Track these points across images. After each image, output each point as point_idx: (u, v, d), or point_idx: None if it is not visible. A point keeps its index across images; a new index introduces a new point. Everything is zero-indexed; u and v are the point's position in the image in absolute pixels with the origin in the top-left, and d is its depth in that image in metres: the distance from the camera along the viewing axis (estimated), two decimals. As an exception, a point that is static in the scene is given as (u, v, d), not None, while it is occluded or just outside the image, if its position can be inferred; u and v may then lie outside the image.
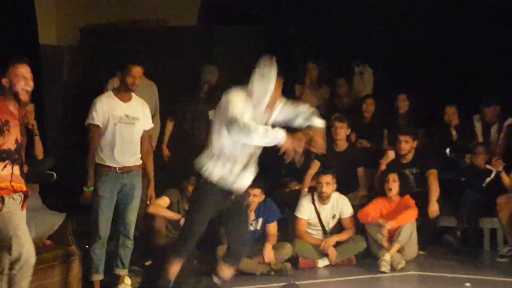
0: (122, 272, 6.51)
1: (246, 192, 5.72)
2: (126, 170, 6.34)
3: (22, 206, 5.03)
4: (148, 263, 7.21)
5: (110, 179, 6.27)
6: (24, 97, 4.98)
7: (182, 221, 7.05)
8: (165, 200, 7.49)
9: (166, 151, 8.59)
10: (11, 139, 4.91)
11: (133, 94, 6.44)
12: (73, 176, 5.26)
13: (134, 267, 6.88)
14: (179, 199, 7.54)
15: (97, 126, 6.27)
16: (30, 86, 5.00)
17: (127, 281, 6.54)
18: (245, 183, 5.53)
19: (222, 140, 5.32)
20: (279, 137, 5.06)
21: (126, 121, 6.35)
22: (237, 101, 5.20)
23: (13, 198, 4.93)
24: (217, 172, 5.39)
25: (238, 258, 5.82)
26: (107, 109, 6.30)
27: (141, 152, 6.46)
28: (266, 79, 5.29)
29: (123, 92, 6.37)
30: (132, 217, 6.43)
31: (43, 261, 5.57)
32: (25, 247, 4.89)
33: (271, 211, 7.72)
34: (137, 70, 6.37)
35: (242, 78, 9.31)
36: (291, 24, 10.07)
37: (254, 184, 7.48)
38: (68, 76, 9.67)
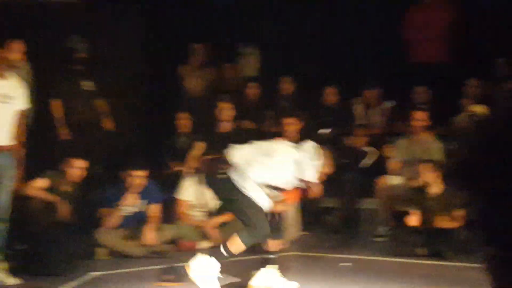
0: None
1: None
2: None
3: None
4: (22, 247, 6.97)
5: None
6: None
7: (60, 205, 6.87)
8: (44, 182, 7.27)
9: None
10: None
11: (9, 73, 6.19)
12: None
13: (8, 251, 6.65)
14: (59, 182, 7.34)
15: None
16: None
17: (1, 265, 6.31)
18: None
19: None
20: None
21: (1, 100, 6.10)
22: None
23: None
24: None
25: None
26: None
27: (16, 132, 6.23)
28: None
29: (0, 69, 6.11)
30: (4, 198, 6.20)
31: None
32: None
33: (153, 192, 7.64)
34: (18, 47, 6.13)
35: (122, 56, 9.25)
36: (177, 3, 9.95)
37: (137, 165, 7.43)
38: None
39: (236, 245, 5.56)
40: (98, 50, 8.44)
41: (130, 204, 7.50)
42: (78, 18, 8.80)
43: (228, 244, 5.60)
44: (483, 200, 1.35)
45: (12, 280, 6.18)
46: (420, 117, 8.02)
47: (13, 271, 6.28)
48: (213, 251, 7.47)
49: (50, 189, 7.26)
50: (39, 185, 7.16)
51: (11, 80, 6.18)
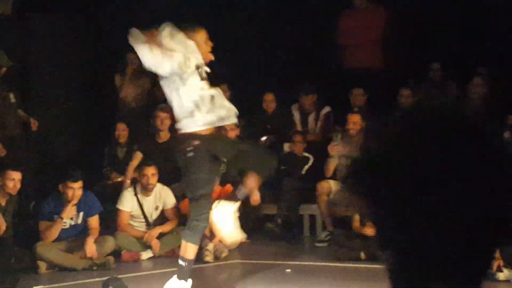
0: None
1: None
2: None
3: None
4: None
5: None
6: None
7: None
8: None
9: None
10: None
11: None
12: None
13: None
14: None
15: None
16: None
17: None
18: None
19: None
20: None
21: None
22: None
23: None
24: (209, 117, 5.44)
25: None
26: None
27: None
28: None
29: None
30: None
31: None
32: None
33: (92, 204, 7.57)
34: None
35: (59, 66, 9.14)
36: (114, 12, 9.86)
37: (73, 177, 7.35)
38: None
39: (188, 248, 5.58)
40: (34, 60, 8.30)
41: (69, 216, 7.41)
42: (8, 29, 8.63)
43: (182, 253, 5.60)
44: (374, 204, 1.39)
45: None
46: (355, 120, 8.16)
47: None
48: (156, 262, 7.55)
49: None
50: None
51: None
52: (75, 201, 7.35)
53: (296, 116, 9.16)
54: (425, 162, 1.29)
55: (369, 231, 7.08)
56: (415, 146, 1.31)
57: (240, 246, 8.04)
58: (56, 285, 6.75)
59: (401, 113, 1.43)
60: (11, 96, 8.11)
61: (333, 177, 8.25)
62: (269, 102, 9.19)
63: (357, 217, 7.40)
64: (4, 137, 8.05)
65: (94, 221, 7.53)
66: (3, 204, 7.15)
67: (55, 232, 7.33)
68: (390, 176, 1.32)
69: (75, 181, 7.34)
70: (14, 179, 7.16)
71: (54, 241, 7.34)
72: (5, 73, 7.94)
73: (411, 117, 1.39)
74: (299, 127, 9.06)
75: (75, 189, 7.32)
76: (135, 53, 9.44)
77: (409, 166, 1.30)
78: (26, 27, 8.92)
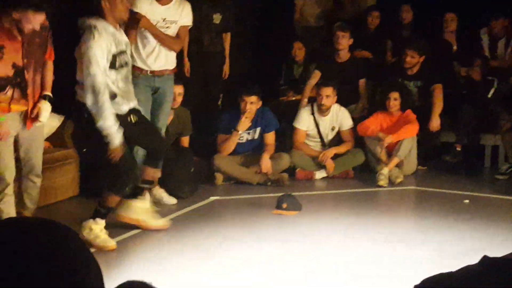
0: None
1: None
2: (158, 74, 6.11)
3: (27, 125, 5.11)
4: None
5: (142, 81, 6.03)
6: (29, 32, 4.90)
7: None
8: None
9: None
10: (7, 65, 4.84)
11: None
12: (73, 79, 5.07)
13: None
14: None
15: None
16: (36, 28, 4.91)
17: None
18: None
19: None
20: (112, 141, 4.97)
21: (161, 25, 6.05)
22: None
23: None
24: None
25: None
26: (146, 12, 5.96)
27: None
28: None
29: None
30: (162, 119, 6.24)
31: (44, 161, 5.49)
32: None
33: (269, 120, 7.59)
34: None
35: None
36: None
37: (250, 91, 7.38)
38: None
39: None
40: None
41: (244, 128, 7.45)
42: None
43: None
44: None
45: (173, 200, 6.50)
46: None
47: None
48: (330, 182, 7.53)
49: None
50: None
51: (172, 4, 6.06)
52: (249, 115, 7.39)
53: (485, 40, 8.68)
54: None
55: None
56: None
57: (416, 173, 7.87)
58: (231, 197, 6.89)
59: None
60: (216, 16, 8.14)
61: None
62: (450, 21, 8.74)
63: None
64: (200, 53, 8.16)
65: (270, 137, 7.56)
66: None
67: (231, 144, 7.43)
68: None
69: (250, 94, 7.36)
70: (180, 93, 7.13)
71: (231, 154, 7.46)
72: None
73: None
74: (487, 52, 8.59)
75: (249, 103, 7.35)
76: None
77: None
78: None
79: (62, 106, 5.72)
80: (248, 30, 9.76)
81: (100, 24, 4.97)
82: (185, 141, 7.21)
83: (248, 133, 7.55)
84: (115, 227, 5.47)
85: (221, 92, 8.50)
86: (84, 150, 6.51)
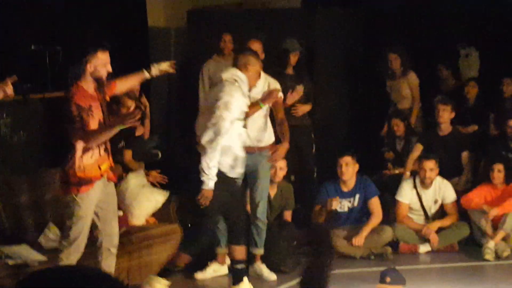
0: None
1: None
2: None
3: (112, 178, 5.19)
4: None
5: None
6: (104, 79, 5.10)
7: None
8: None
9: None
10: (95, 123, 5.00)
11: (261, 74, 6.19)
12: (177, 155, 5.30)
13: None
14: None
15: None
16: (109, 70, 5.10)
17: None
18: None
19: None
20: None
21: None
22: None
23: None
24: None
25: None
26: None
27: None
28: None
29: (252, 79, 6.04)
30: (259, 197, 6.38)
31: (147, 237, 5.66)
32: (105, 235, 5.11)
33: (368, 186, 7.58)
34: (257, 46, 6.34)
35: (339, 61, 9.32)
36: (391, 7, 9.79)
37: (345, 152, 7.45)
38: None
39: None
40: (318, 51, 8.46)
41: (343, 196, 7.48)
42: (302, 24, 8.95)
43: None
44: None
45: (273, 276, 6.56)
46: None
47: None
48: (434, 256, 7.44)
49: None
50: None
51: (260, 82, 6.19)
52: (348, 177, 7.42)
53: None
54: None
55: None
56: None
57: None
58: (336, 271, 6.86)
59: None
60: (299, 87, 8.21)
61: None
62: None
63: None
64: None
65: (375, 204, 7.51)
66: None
67: (326, 215, 7.37)
68: None
69: (343, 155, 7.42)
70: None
71: (334, 226, 7.42)
72: (296, 64, 8.04)
73: None
74: None
75: (344, 164, 7.38)
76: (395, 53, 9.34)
77: None
78: (312, 20, 9.17)
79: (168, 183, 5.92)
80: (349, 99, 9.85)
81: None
82: (288, 215, 7.30)
83: (349, 201, 7.57)
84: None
85: (315, 165, 8.49)
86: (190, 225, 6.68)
